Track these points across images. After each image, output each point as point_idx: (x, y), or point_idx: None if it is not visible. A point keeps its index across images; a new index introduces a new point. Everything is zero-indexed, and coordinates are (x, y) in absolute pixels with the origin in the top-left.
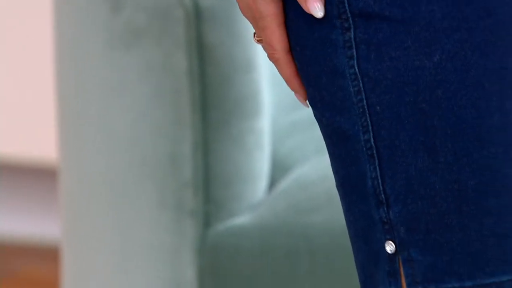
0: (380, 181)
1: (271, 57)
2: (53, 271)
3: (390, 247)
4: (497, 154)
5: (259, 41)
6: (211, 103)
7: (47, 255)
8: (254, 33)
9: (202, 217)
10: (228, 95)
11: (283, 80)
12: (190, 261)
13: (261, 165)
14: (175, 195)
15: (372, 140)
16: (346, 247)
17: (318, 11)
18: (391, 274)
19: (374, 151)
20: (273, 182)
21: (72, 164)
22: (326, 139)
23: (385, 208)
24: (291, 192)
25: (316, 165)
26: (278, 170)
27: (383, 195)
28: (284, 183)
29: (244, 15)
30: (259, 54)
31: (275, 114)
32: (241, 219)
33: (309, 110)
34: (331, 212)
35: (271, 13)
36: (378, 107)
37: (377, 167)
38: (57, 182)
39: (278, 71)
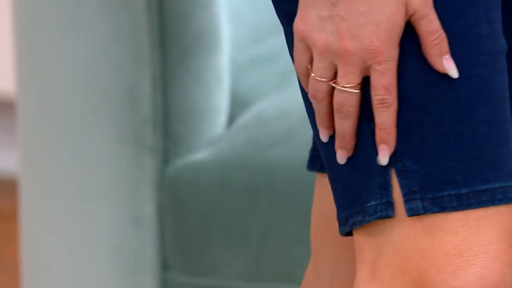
0: (371, 92)
1: (382, 102)
2: (12, 203)
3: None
4: (486, 62)
5: (319, 80)
6: (169, 39)
7: (5, 188)
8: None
9: (161, 153)
10: (187, 31)
11: (241, 15)
12: (149, 197)
13: (220, 101)
14: (134, 131)
15: None
16: (306, 182)
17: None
18: (382, 187)
19: None
20: (232, 118)
21: (30, 97)
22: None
23: None
24: (251, 128)
25: (275, 101)
26: (237, 106)
27: None
28: (244, 119)
29: (345, 56)
30: None
31: (234, 50)
32: (200, 155)
33: (269, 46)
34: (290, 147)
35: (395, 57)
36: None
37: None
38: (15, 115)
39: (380, 120)
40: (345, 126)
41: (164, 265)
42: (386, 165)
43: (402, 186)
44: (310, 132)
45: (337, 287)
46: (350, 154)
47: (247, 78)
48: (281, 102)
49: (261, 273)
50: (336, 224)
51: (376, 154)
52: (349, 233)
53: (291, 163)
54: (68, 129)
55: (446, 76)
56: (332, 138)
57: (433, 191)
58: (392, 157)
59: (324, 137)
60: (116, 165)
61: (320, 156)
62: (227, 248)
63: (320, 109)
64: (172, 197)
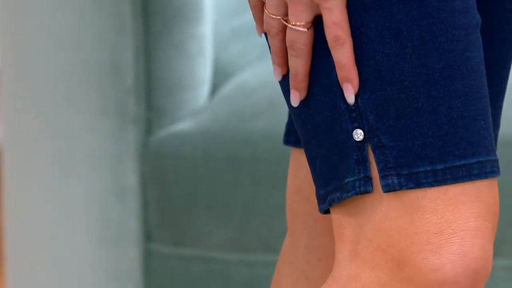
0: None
1: (336, 39)
2: None
3: (357, 135)
4: (460, 37)
5: (272, 18)
6: (152, 9)
7: None
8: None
9: (144, 123)
10: (170, 1)
11: None
12: (132, 168)
13: (203, 71)
14: (117, 102)
15: None
16: (287, 152)
17: None
18: (360, 162)
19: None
20: (215, 89)
21: (12, 69)
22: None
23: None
24: (233, 98)
25: (258, 71)
26: (220, 76)
27: None
28: (226, 90)
29: None
30: None
31: (216, 20)
32: (183, 126)
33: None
34: (273, 118)
35: None
36: None
37: None
38: None
39: (337, 58)
40: (297, 64)
41: (147, 237)
42: (362, 141)
43: (378, 162)
44: None
45: (312, 260)
46: (303, 96)
47: (230, 49)
48: (264, 73)
49: (244, 244)
50: (311, 198)
51: (352, 129)
52: (328, 211)
53: (274, 134)
54: (50, 101)
55: (421, 51)
56: (307, 115)
57: (409, 167)
58: (369, 133)
59: (277, 75)
60: (99, 136)
61: (296, 131)
62: (210, 219)
63: (274, 44)
64: (155, 168)
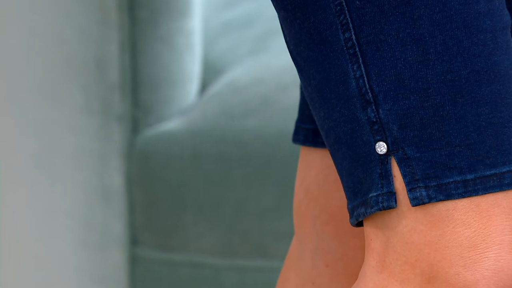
0: (366, 79)
1: None
2: None
3: (380, 149)
4: (486, 40)
5: None
6: (138, 1)
7: None
8: None
9: (130, 122)
10: None
11: None
12: (118, 168)
13: (192, 67)
14: (101, 99)
15: (354, 37)
16: (280, 152)
17: None
18: (383, 176)
19: (357, 49)
20: (204, 85)
21: None
22: (298, 45)
23: (374, 107)
24: (224, 96)
25: (249, 68)
26: (210, 72)
27: (370, 94)
28: (216, 87)
29: None
30: None
31: (206, 13)
32: (171, 124)
33: (242, 9)
34: (265, 117)
35: None
36: (358, 2)
37: (362, 65)
38: None
39: None
40: None
41: (133, 240)
42: (386, 154)
43: (404, 175)
44: (286, 100)
45: (320, 265)
46: None
47: (220, 43)
48: (255, 69)
49: (235, 248)
50: (320, 199)
51: (375, 142)
52: (361, 224)
53: (266, 133)
54: (31, 99)
55: (444, 57)
56: (329, 128)
57: (438, 178)
58: (392, 145)
59: None
60: (83, 135)
61: (305, 128)
62: (199, 222)
63: None
64: (142, 168)
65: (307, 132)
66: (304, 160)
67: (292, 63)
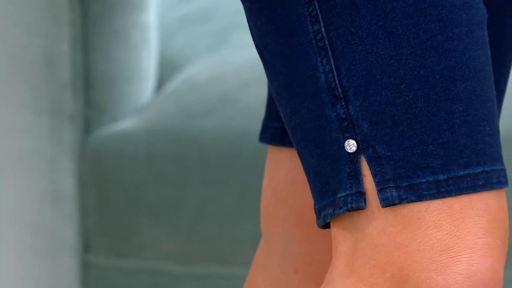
0: (335, 74)
1: None
2: None
3: (350, 147)
4: (461, 35)
5: None
6: None
7: None
8: None
9: (82, 122)
10: None
11: None
12: (69, 170)
13: (147, 63)
14: (51, 98)
15: (323, 30)
16: (241, 153)
17: None
18: (352, 176)
19: (326, 42)
20: (161, 83)
21: None
22: (264, 37)
23: (343, 103)
24: (181, 94)
25: (208, 64)
26: (167, 69)
27: (339, 89)
28: (173, 84)
29: None
30: None
31: (162, 7)
32: (126, 124)
33: (201, 3)
34: (224, 116)
35: None
36: None
37: (331, 59)
38: None
39: None
40: None
41: (85, 246)
42: (356, 152)
43: (374, 175)
44: (247, 98)
45: (288, 270)
46: None
47: (178, 39)
48: (214, 65)
49: (194, 254)
50: (289, 200)
51: (344, 140)
52: (328, 225)
53: (226, 133)
54: None
55: (418, 52)
56: (296, 124)
57: (409, 178)
58: (362, 143)
59: None
60: (32, 136)
61: (272, 127)
62: (155, 226)
63: None
64: (95, 170)
65: (275, 130)
66: (272, 160)
67: (254, 59)
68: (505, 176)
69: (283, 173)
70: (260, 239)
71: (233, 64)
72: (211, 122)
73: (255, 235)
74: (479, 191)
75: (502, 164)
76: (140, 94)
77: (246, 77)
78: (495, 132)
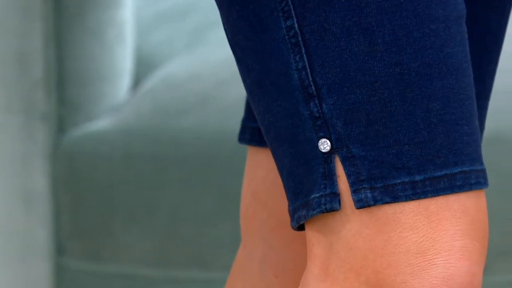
0: (308, 71)
1: None
2: None
3: (324, 146)
4: (438, 31)
5: None
6: None
7: None
8: None
9: (56, 121)
10: None
11: None
12: (42, 171)
13: (123, 61)
14: (24, 96)
15: (296, 25)
16: (220, 153)
17: None
18: (326, 176)
19: (299, 38)
20: (137, 81)
21: None
22: (236, 33)
23: (317, 101)
24: (158, 93)
25: (186, 62)
26: (143, 67)
27: (313, 87)
28: (150, 82)
29: None
30: None
31: (138, 3)
32: (101, 123)
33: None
34: (203, 115)
35: None
36: None
37: (304, 56)
38: None
39: None
40: None
41: (59, 249)
42: (329, 152)
43: (348, 175)
44: (225, 97)
45: (269, 276)
46: None
47: (154, 36)
48: (192, 63)
49: (171, 258)
50: (269, 203)
51: (318, 139)
52: (302, 227)
53: (204, 132)
54: None
55: (393, 48)
56: (269, 123)
57: (384, 179)
58: (336, 142)
59: None
60: (4, 135)
61: (251, 127)
62: (131, 229)
63: None
64: (68, 171)
65: (253, 131)
66: (252, 161)
67: (233, 56)
68: (484, 176)
69: (263, 174)
70: (240, 241)
71: (211, 62)
72: (189, 121)
73: (235, 237)
74: (457, 192)
75: (482, 164)
76: (116, 93)
77: (225, 75)
78: (474, 131)
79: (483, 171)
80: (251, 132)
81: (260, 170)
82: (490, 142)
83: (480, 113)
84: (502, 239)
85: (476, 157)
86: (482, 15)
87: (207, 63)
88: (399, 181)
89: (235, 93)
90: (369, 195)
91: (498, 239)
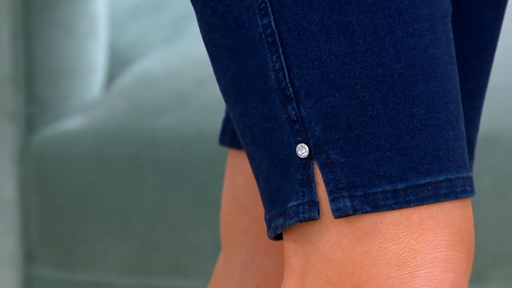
0: (286, 72)
1: None
2: None
3: (301, 151)
4: (422, 30)
5: None
6: None
7: None
8: None
9: (24, 120)
10: None
11: None
12: (10, 173)
13: (96, 56)
14: None
15: (273, 24)
16: (199, 155)
17: None
18: (304, 183)
19: (276, 37)
20: (111, 78)
21: None
22: (210, 31)
23: (295, 104)
24: (134, 90)
25: (163, 58)
26: (117, 62)
27: (291, 89)
28: (125, 79)
29: None
30: None
31: None
32: (73, 122)
33: None
34: (181, 114)
35: None
36: None
37: (282, 56)
38: None
39: None
40: None
41: (28, 257)
42: (308, 157)
43: (327, 183)
44: (204, 95)
45: (251, 285)
46: None
47: (129, 29)
48: (170, 59)
49: (147, 265)
50: (250, 210)
51: (295, 144)
52: (280, 237)
53: (182, 133)
54: None
55: (375, 49)
56: (245, 126)
57: (364, 187)
58: (315, 148)
59: None
60: None
61: (232, 128)
62: (105, 235)
63: None
64: (38, 173)
65: (234, 132)
66: (232, 164)
67: None
68: (471, 184)
69: (244, 180)
70: (220, 248)
71: (190, 58)
72: (166, 120)
73: (215, 243)
74: (442, 201)
75: (468, 171)
76: (88, 90)
77: (205, 72)
78: (460, 137)
79: (470, 178)
80: (232, 134)
81: (241, 174)
82: (486, 142)
83: (475, 114)
84: (499, 242)
85: (462, 164)
86: (477, 12)
87: (185, 58)
88: (380, 189)
89: (216, 91)
90: (348, 204)
91: (495, 243)
